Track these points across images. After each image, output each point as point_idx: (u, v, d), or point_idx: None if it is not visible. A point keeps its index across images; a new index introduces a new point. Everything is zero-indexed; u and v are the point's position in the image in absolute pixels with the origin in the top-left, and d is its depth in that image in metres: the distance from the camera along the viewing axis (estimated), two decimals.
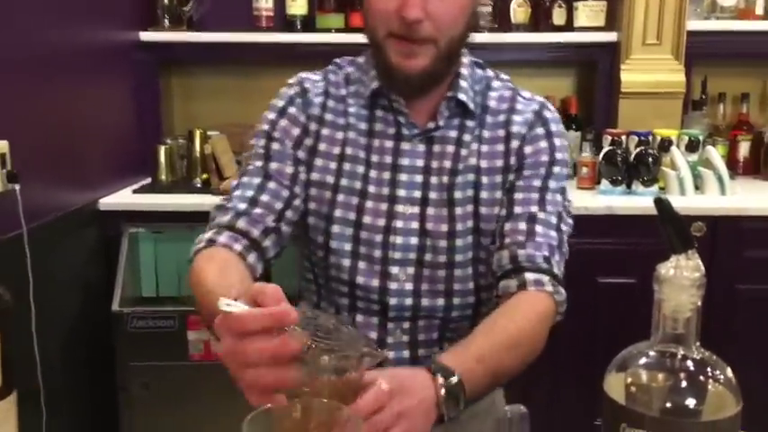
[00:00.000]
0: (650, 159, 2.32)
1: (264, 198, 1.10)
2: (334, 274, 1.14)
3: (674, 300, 0.60)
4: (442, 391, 0.83)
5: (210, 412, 2.09)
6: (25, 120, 1.85)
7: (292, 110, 1.15)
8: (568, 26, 2.61)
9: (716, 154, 2.38)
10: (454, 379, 0.85)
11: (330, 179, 1.13)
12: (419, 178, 1.12)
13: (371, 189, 1.11)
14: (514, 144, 1.12)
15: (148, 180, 2.51)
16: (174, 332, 2.14)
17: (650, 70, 2.50)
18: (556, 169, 1.12)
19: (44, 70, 1.94)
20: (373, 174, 1.12)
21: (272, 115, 1.15)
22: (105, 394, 2.20)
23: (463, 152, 1.12)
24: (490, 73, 1.19)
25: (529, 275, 1.04)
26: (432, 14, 1.02)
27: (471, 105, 1.13)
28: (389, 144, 1.12)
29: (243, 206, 1.09)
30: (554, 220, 1.10)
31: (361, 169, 1.12)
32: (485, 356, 0.91)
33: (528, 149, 1.12)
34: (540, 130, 1.13)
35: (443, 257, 1.10)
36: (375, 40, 1.07)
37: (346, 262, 1.12)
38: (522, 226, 1.08)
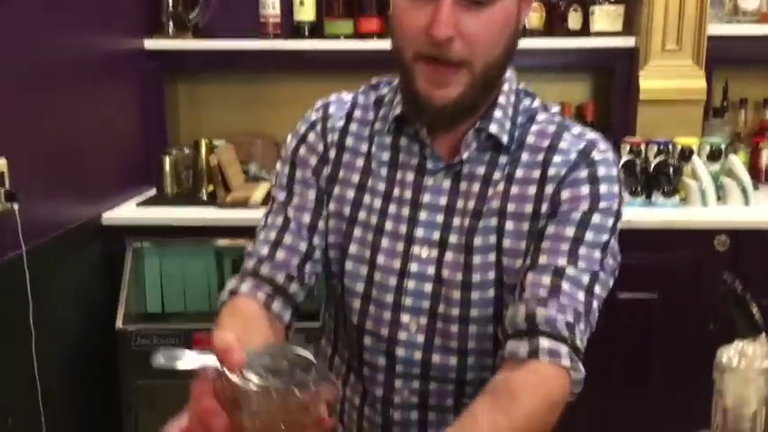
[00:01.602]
0: (671, 169, 2.24)
1: (287, 240, 1.03)
2: (347, 316, 1.06)
3: (738, 393, 0.53)
4: None
5: None
6: (25, 134, 1.79)
7: (312, 137, 1.07)
8: (584, 31, 2.53)
9: (739, 163, 2.30)
10: None
11: (347, 210, 1.04)
12: (440, 218, 1.00)
13: (388, 226, 1.02)
14: (549, 189, 0.97)
15: (153, 192, 2.45)
16: None
17: (670, 76, 2.42)
18: (596, 219, 0.96)
19: (44, 81, 1.88)
20: (392, 209, 1.02)
21: (293, 142, 1.08)
22: (110, 415, 2.14)
23: (490, 192, 0.99)
24: (537, 104, 1.04)
25: (544, 342, 0.89)
26: (465, 34, 0.89)
27: (504, 139, 0.99)
28: (411, 177, 1.02)
29: (265, 251, 1.02)
30: (585, 279, 0.93)
31: (378, 203, 1.03)
32: None
33: (565, 194, 0.96)
34: (582, 174, 0.97)
35: (457, 311, 0.99)
36: (402, 63, 0.95)
37: (356, 304, 1.03)
38: (546, 280, 0.93)
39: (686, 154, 2.29)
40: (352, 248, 1.03)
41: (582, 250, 0.95)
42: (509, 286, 0.98)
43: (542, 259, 0.95)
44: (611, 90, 2.60)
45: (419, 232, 1.01)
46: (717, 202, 2.25)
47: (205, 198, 2.37)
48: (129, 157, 2.40)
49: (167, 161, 2.42)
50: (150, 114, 2.52)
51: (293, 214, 1.04)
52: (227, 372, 0.65)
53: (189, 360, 0.68)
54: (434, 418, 1.03)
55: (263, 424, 0.64)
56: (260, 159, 2.60)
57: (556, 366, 0.88)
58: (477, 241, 0.98)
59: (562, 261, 0.94)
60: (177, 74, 2.68)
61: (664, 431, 2.05)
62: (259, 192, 2.31)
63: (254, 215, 1.88)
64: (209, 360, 0.67)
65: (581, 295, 0.93)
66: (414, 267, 1.00)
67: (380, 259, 1.01)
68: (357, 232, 1.03)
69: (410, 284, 1.00)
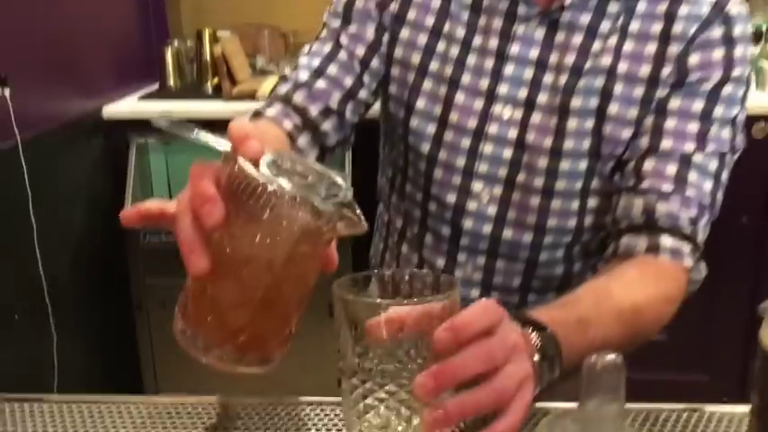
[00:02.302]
0: None
1: (332, 70, 0.90)
2: (411, 176, 0.93)
3: None
4: (536, 343, 0.61)
5: None
6: (15, 17, 1.66)
7: None
8: None
9: None
10: (548, 335, 0.63)
11: (416, 58, 0.90)
12: (528, 73, 0.86)
13: (465, 79, 0.88)
14: (674, 50, 0.82)
15: (155, 86, 2.32)
16: None
17: None
18: (728, 90, 0.82)
19: None
20: (471, 60, 0.88)
21: None
22: (121, 314, 2.10)
23: (595, 46, 0.84)
24: None
25: (666, 240, 0.79)
26: None
27: None
28: (498, 24, 0.87)
29: (304, 76, 0.89)
30: (713, 166, 0.82)
31: (455, 52, 0.88)
32: (588, 322, 0.69)
33: (694, 59, 0.82)
34: (716, 33, 0.81)
35: (540, 181, 0.87)
36: None
37: (422, 166, 0.91)
38: (671, 170, 0.81)
39: None
40: (420, 103, 0.90)
41: (712, 130, 0.81)
42: (605, 157, 0.85)
43: (666, 143, 0.82)
44: None
45: (502, 89, 0.87)
46: (756, 88, 2.11)
47: (210, 92, 2.25)
48: (128, 48, 2.28)
49: (169, 53, 2.29)
50: (149, 1, 2.37)
51: (346, 42, 0.91)
52: (239, 159, 0.52)
53: (196, 134, 0.57)
54: (497, 299, 0.93)
55: (261, 234, 0.52)
56: (267, 52, 2.46)
57: (677, 266, 0.80)
58: (575, 103, 0.84)
59: (689, 146, 0.81)
60: None
61: None
62: (267, 84, 2.18)
63: None
64: (221, 143, 0.55)
65: (708, 185, 0.82)
66: (493, 129, 0.87)
67: (453, 117, 0.88)
68: (427, 85, 0.90)
69: (486, 148, 0.88)
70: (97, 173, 2.06)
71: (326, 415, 0.66)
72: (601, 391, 0.63)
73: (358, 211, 0.55)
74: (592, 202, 0.88)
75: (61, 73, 1.89)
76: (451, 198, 0.90)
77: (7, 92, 1.57)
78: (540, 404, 0.66)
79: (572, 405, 0.70)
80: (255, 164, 0.52)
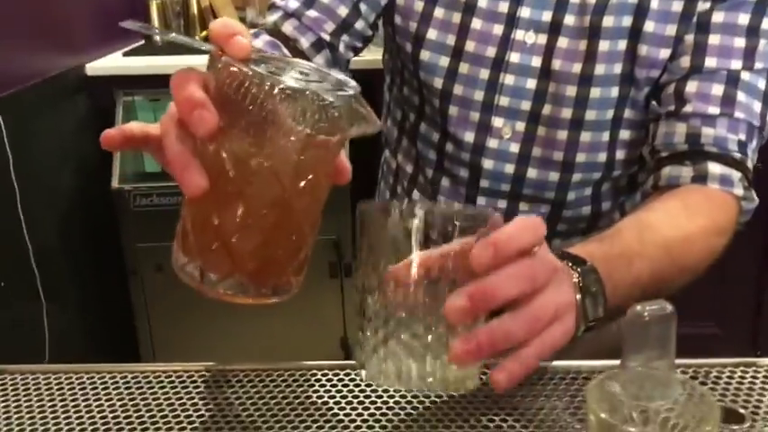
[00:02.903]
0: None
1: None
2: (427, 114, 0.86)
3: None
4: (577, 280, 0.55)
5: None
6: None
7: None
8: None
9: None
10: (589, 269, 0.56)
11: None
12: None
13: (482, 3, 0.79)
14: None
15: (141, 42, 2.22)
16: None
17: None
18: None
19: None
20: None
21: None
22: (116, 279, 2.03)
23: None
24: None
25: (713, 167, 0.72)
26: None
27: None
28: None
29: (295, 4, 0.82)
30: (763, 84, 0.75)
31: None
32: (632, 256, 0.62)
33: None
34: None
35: (568, 113, 0.79)
36: None
37: (436, 102, 0.83)
38: (717, 90, 0.74)
39: None
40: (431, 33, 0.82)
41: (760, 46, 0.74)
42: (640, 82, 0.77)
43: (710, 61, 0.74)
44: None
45: (524, 12, 0.79)
46: None
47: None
48: (111, 1, 2.16)
49: (154, 6, 2.19)
50: None
51: None
52: (227, 59, 0.45)
53: (173, 36, 0.49)
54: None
55: (265, 140, 0.45)
56: (257, 5, 2.37)
57: (727, 195, 0.73)
58: (607, 22, 0.76)
59: (736, 63, 0.74)
60: None
61: None
62: None
63: None
64: (204, 45, 0.47)
65: (757, 105, 0.74)
66: (515, 57, 0.79)
67: (469, 46, 0.80)
68: (438, 12, 0.81)
69: (508, 79, 0.80)
70: (83, 133, 1.96)
71: (329, 380, 0.60)
72: (648, 346, 0.56)
73: (369, 109, 0.47)
74: (624, 134, 0.81)
75: (41, 28, 1.80)
76: (469, 136, 0.82)
77: None
78: (557, 363, 0.60)
79: (605, 363, 0.64)
80: (245, 64, 0.44)
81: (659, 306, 0.56)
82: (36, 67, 1.77)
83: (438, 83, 0.82)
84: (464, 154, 0.83)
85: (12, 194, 1.56)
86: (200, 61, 0.50)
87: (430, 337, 0.49)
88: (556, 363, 0.60)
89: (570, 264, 0.55)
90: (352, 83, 0.48)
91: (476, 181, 0.84)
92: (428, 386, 0.50)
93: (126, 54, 2.11)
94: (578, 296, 0.54)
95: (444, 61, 0.81)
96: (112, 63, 2.05)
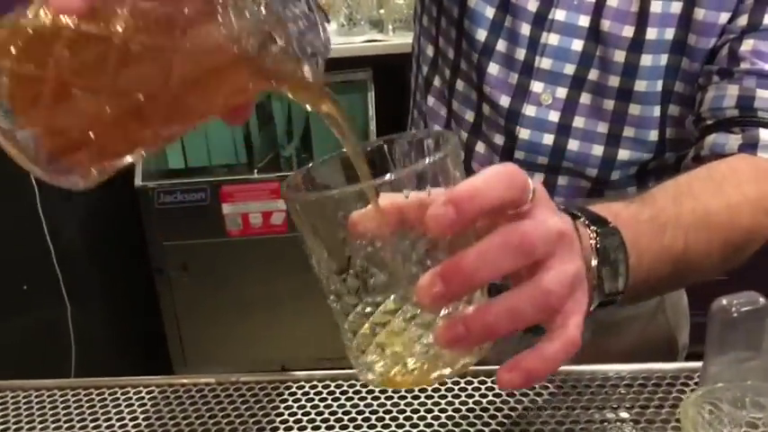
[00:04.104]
0: None
1: None
2: (465, 69, 0.79)
3: None
4: (593, 242, 0.45)
5: (253, 289, 1.94)
6: None
7: None
8: None
9: None
10: (610, 231, 0.47)
11: None
12: None
13: None
14: None
15: None
16: (207, 206, 1.91)
17: None
18: None
19: None
20: None
21: None
22: (142, 279, 2.00)
23: None
24: None
25: (766, 134, 0.65)
26: None
27: None
28: None
29: None
30: None
31: None
32: (666, 222, 0.54)
33: None
34: None
35: (616, 80, 0.72)
36: None
37: (475, 57, 0.77)
38: None
39: None
40: None
41: None
42: (695, 52, 0.70)
43: None
44: None
45: None
46: None
47: None
48: None
49: None
50: None
51: None
52: None
53: None
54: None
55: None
56: None
57: None
58: None
59: None
60: None
61: None
62: None
63: None
64: None
65: None
66: (560, 15, 0.73)
67: None
68: None
69: (551, 39, 0.73)
70: None
71: (339, 387, 0.55)
72: (737, 346, 0.50)
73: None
74: (674, 110, 0.73)
75: None
76: (505, 100, 0.76)
77: None
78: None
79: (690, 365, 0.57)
80: None
81: (749, 298, 0.49)
82: None
83: (481, 35, 0.75)
84: (500, 119, 0.77)
85: (32, 194, 1.53)
86: None
87: (409, 312, 0.38)
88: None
89: (587, 222, 0.46)
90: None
91: (511, 151, 0.77)
92: (414, 378, 0.39)
93: None
94: (594, 261, 0.44)
95: (490, 11, 0.75)
96: None
